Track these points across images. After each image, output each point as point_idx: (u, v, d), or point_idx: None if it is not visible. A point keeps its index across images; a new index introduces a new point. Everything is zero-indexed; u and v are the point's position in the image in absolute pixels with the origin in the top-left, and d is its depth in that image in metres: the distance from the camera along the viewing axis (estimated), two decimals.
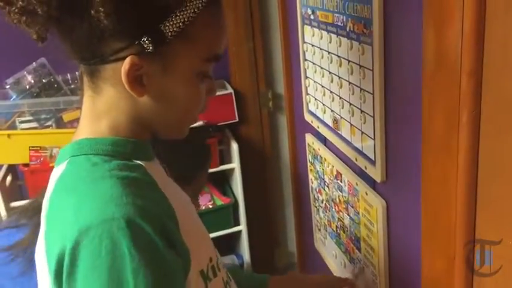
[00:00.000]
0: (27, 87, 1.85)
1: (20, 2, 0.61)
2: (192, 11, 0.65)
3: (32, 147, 1.80)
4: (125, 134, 0.70)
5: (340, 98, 1.18)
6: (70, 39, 0.65)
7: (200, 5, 0.66)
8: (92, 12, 0.60)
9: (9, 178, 1.89)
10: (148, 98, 0.68)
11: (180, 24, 0.65)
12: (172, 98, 0.70)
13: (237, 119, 2.04)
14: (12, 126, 1.83)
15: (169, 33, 0.64)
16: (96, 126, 0.69)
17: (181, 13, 0.64)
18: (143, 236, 0.59)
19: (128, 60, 0.64)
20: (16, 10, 0.61)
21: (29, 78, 1.85)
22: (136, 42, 0.64)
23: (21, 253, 1.12)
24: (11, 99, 1.86)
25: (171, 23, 0.64)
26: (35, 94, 1.85)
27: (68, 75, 1.98)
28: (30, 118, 1.83)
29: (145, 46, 0.64)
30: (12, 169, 1.92)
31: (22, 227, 1.16)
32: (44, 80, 1.86)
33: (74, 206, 0.61)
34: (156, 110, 0.70)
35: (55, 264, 0.60)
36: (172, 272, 0.62)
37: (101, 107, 0.69)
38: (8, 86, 1.85)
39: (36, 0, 0.60)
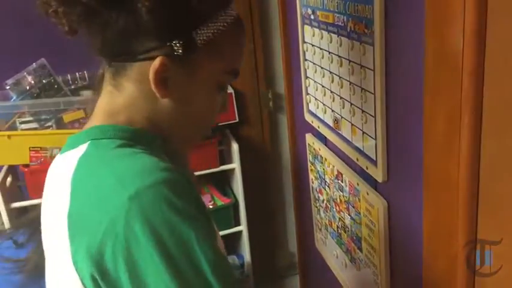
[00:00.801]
0: (28, 88, 1.85)
1: None
2: (222, 24, 0.69)
3: (32, 147, 1.80)
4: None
5: (341, 98, 1.18)
6: (102, 33, 0.67)
7: (229, 20, 0.70)
8: (139, 5, 0.62)
9: (9, 179, 1.89)
10: (169, 101, 0.70)
11: (210, 34, 0.68)
12: (190, 105, 0.72)
13: (237, 119, 2.04)
14: (13, 127, 1.83)
15: (199, 41, 0.67)
16: (113, 119, 0.70)
17: (213, 24, 0.68)
18: (192, 195, 0.62)
19: (158, 60, 0.66)
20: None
21: (29, 79, 1.85)
22: (168, 44, 0.66)
23: (30, 267, 1.12)
24: (11, 100, 1.86)
25: (203, 31, 0.67)
26: (35, 95, 1.85)
27: (68, 75, 1.98)
28: (31, 119, 1.83)
29: (176, 49, 0.66)
30: (12, 170, 1.92)
31: (29, 242, 1.17)
32: (44, 81, 1.86)
33: (115, 177, 0.60)
34: (174, 114, 0.71)
35: (99, 239, 0.57)
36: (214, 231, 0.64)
37: (120, 103, 0.71)
38: (8, 87, 1.85)
39: None
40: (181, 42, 0.66)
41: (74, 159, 0.66)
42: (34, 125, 1.84)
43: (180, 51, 0.66)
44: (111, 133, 0.68)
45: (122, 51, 0.68)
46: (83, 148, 0.67)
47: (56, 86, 1.87)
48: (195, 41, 0.67)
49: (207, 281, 0.57)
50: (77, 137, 0.69)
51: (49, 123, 1.85)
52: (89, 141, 0.67)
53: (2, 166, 1.91)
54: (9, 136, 1.79)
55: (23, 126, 1.83)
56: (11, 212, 1.78)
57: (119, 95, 0.70)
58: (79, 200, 0.62)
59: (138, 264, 0.56)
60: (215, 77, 0.72)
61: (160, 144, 0.72)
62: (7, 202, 1.78)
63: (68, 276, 0.61)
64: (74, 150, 0.68)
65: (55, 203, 0.67)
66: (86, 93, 2.02)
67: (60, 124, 1.85)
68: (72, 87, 2.00)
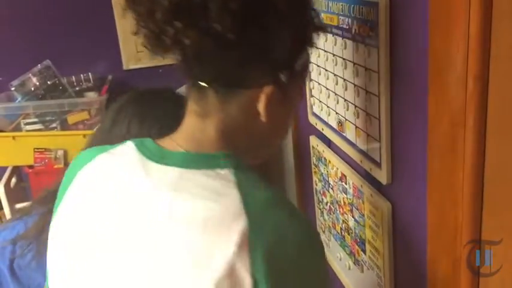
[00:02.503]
0: (32, 89, 1.86)
1: (214, 25, 0.63)
2: (309, 52, 0.76)
3: (37, 148, 1.81)
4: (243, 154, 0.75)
5: (345, 100, 1.19)
6: (223, 63, 0.69)
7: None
8: (284, 36, 0.68)
9: (13, 180, 1.90)
10: (265, 123, 0.74)
11: (305, 59, 0.76)
12: (279, 125, 0.80)
13: None
14: (17, 128, 1.84)
15: (298, 67, 0.74)
16: (228, 144, 0.74)
17: (306, 53, 0.75)
18: None
19: (271, 88, 0.71)
20: (196, 34, 0.63)
21: (34, 80, 1.86)
22: (278, 74, 0.71)
23: (30, 244, 1.13)
24: (16, 101, 1.87)
25: (301, 60, 0.74)
26: (40, 96, 1.86)
27: (73, 77, 1.99)
28: (35, 120, 1.84)
29: (282, 78, 0.71)
30: (16, 171, 1.93)
31: (26, 217, 1.18)
32: (48, 82, 1.87)
33: (292, 222, 0.68)
34: (266, 134, 0.78)
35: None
36: None
37: (230, 126, 0.74)
38: (13, 88, 1.87)
39: (230, 29, 0.63)
40: (288, 71, 0.72)
41: (227, 183, 0.68)
42: (39, 126, 1.85)
43: (286, 79, 0.71)
44: (241, 164, 0.72)
45: (237, 80, 0.71)
46: (227, 175, 0.69)
47: (60, 87, 1.88)
48: (296, 68, 0.74)
49: None
50: (202, 158, 0.72)
51: (53, 125, 1.86)
52: (233, 171, 0.70)
53: (7, 167, 1.92)
54: (13, 137, 1.80)
55: (28, 127, 1.85)
56: (15, 213, 1.78)
57: (228, 119, 0.73)
58: (263, 234, 0.65)
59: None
60: (295, 101, 0.79)
61: None
62: (11, 203, 1.79)
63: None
64: (207, 171, 0.69)
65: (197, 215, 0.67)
66: (90, 95, 2.03)
67: (64, 125, 1.87)
68: (77, 88, 2.01)
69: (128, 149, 0.76)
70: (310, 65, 0.79)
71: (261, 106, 0.72)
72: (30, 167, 1.82)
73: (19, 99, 1.86)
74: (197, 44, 0.65)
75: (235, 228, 0.63)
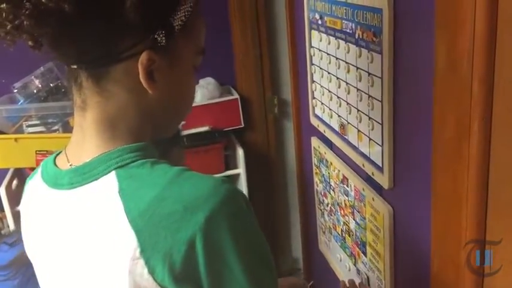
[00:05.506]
0: (35, 91, 1.86)
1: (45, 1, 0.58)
2: (190, 4, 0.68)
3: (39, 151, 1.81)
4: (141, 137, 0.69)
5: (348, 103, 1.19)
6: (79, 40, 0.64)
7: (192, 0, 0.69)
8: (127, 3, 0.61)
9: (15, 182, 1.90)
10: (158, 94, 0.68)
11: (183, 17, 0.67)
12: (177, 92, 0.72)
13: (242, 125, 2.05)
14: (19, 130, 1.84)
15: (176, 26, 0.66)
16: (114, 133, 0.68)
17: (184, 6, 0.67)
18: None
19: (145, 55, 0.64)
20: (28, 12, 0.58)
21: (37, 82, 1.86)
22: (151, 37, 0.64)
23: (20, 270, 1.12)
24: (19, 103, 1.87)
25: (178, 15, 0.67)
26: (42, 98, 1.86)
27: None
28: (37, 122, 1.84)
29: (159, 40, 0.65)
30: (18, 173, 1.93)
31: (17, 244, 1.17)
32: (51, 85, 1.87)
33: (182, 207, 0.60)
34: (164, 105, 0.71)
35: (182, 256, 0.60)
36: None
37: (113, 112, 0.68)
38: (15, 90, 1.87)
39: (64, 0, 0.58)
40: (163, 31, 0.65)
41: (111, 195, 0.63)
42: (41, 128, 1.85)
43: (164, 41, 0.65)
44: (129, 156, 0.66)
45: (103, 55, 0.65)
46: (111, 181, 0.64)
47: (63, 90, 1.88)
48: (174, 27, 0.66)
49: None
50: (88, 167, 0.67)
51: (56, 127, 1.86)
52: (114, 172, 0.65)
53: (8, 169, 1.92)
54: (16, 139, 1.80)
55: (30, 129, 1.84)
56: (16, 215, 1.79)
57: (109, 103, 0.67)
58: (149, 232, 0.61)
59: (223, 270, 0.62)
60: (190, 59, 0.72)
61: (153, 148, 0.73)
62: (13, 205, 1.79)
63: None
64: (95, 183, 0.65)
65: (98, 240, 0.65)
66: None
67: (66, 128, 1.86)
68: None
69: (37, 177, 0.75)
70: (198, 20, 0.72)
71: (142, 77, 0.65)
72: (32, 169, 1.81)
73: (21, 101, 1.86)
74: (36, 25, 0.59)
75: (127, 248, 0.61)
